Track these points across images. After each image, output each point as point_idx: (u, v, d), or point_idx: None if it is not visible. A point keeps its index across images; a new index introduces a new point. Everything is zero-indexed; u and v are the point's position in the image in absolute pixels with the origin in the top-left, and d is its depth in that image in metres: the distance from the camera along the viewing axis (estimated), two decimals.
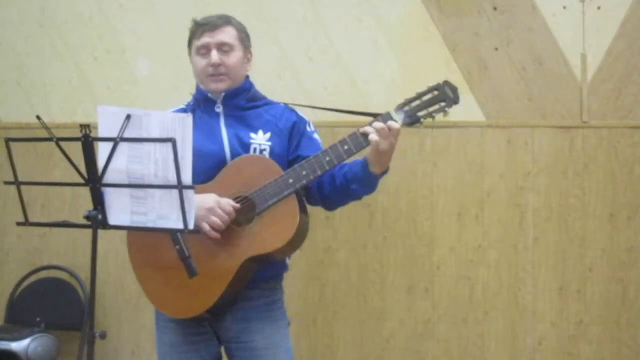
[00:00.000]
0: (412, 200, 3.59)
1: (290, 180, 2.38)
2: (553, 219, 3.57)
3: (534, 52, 3.61)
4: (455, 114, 3.58)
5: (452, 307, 3.60)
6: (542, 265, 3.56)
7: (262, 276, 2.55)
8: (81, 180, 2.24)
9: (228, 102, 2.62)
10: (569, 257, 3.55)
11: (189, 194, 2.13)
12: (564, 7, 3.59)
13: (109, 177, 2.19)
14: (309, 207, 2.53)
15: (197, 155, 2.41)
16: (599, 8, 3.56)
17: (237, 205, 2.41)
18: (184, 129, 2.12)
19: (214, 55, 2.58)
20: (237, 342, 2.55)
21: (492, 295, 3.58)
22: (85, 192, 2.28)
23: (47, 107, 3.94)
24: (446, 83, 2.40)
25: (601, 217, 3.55)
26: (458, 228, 3.61)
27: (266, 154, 2.54)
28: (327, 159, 2.39)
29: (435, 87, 2.39)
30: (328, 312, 3.65)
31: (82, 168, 2.22)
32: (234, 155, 2.53)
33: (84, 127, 2.15)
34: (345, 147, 2.37)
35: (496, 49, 3.63)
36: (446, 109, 2.39)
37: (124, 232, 3.71)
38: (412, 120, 2.37)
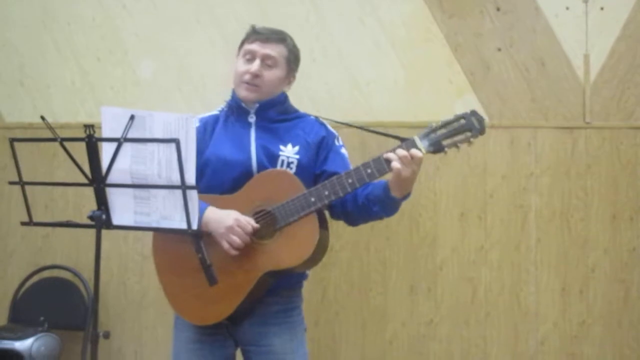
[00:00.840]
0: (414, 201, 3.59)
1: (312, 199, 2.42)
2: (555, 220, 3.57)
3: (536, 53, 3.61)
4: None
5: (454, 308, 3.60)
6: (545, 266, 3.56)
7: (283, 284, 2.59)
8: (85, 181, 2.25)
9: (261, 114, 2.65)
10: (571, 258, 3.55)
11: (192, 194, 2.14)
12: (567, 8, 3.58)
13: (112, 178, 2.21)
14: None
15: (224, 163, 2.57)
16: (602, 9, 3.56)
17: (257, 226, 2.44)
18: (187, 129, 2.13)
19: (255, 65, 2.63)
20: (255, 345, 2.60)
21: (494, 296, 3.58)
22: (89, 193, 2.29)
23: (51, 108, 3.95)
24: (473, 113, 2.38)
25: (604, 218, 3.55)
26: (460, 229, 3.61)
27: (294, 167, 2.58)
28: (350, 181, 2.41)
29: (462, 116, 2.38)
30: (330, 313, 3.65)
31: (86, 168, 2.23)
32: (260, 166, 2.57)
33: (88, 127, 2.16)
34: (368, 170, 2.39)
35: (499, 49, 3.64)
36: (471, 139, 2.37)
37: (127, 233, 3.76)
38: (435, 149, 2.37)
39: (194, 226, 2.17)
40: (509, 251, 3.58)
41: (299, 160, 2.59)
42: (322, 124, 2.73)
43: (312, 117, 2.75)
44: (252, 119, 2.65)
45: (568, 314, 3.54)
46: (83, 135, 2.17)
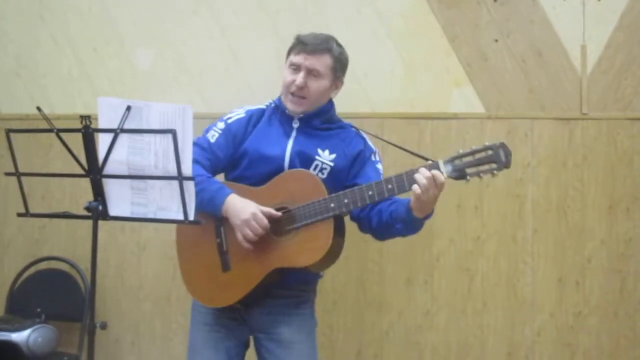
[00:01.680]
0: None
1: (332, 205, 2.49)
2: (552, 211, 3.57)
3: (534, 43, 3.61)
4: (456, 105, 3.63)
5: (451, 298, 3.61)
6: (541, 257, 3.56)
7: (296, 279, 2.68)
8: (82, 172, 2.25)
9: (305, 121, 2.73)
10: (568, 248, 3.56)
11: (189, 185, 2.14)
12: None
13: (109, 169, 2.21)
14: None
15: (259, 157, 2.67)
16: (599, 0, 3.56)
17: (277, 214, 2.52)
18: (184, 120, 2.13)
19: (300, 78, 2.68)
20: (265, 333, 2.68)
21: (491, 286, 3.59)
22: (85, 184, 2.29)
23: (47, 99, 3.94)
24: (502, 145, 2.41)
25: (600, 209, 3.55)
26: (457, 219, 3.61)
27: (326, 172, 2.66)
28: (370, 193, 2.48)
29: (491, 147, 2.41)
30: (327, 303, 3.65)
31: (83, 159, 2.23)
32: (292, 166, 2.66)
33: (85, 118, 2.16)
34: (389, 186, 2.46)
35: (496, 40, 3.63)
36: (495, 172, 2.39)
37: (124, 224, 3.76)
38: (458, 175, 2.41)
39: (191, 217, 2.17)
40: (506, 242, 3.58)
41: (332, 168, 2.68)
42: (363, 138, 2.82)
43: (354, 129, 2.84)
44: (295, 124, 2.74)
45: (564, 304, 3.55)
46: (80, 126, 2.17)
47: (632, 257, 3.53)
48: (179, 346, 3.75)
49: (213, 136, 2.72)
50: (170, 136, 2.09)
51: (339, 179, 2.66)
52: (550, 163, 3.57)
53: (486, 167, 2.39)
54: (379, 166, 2.78)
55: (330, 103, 2.81)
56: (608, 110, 3.57)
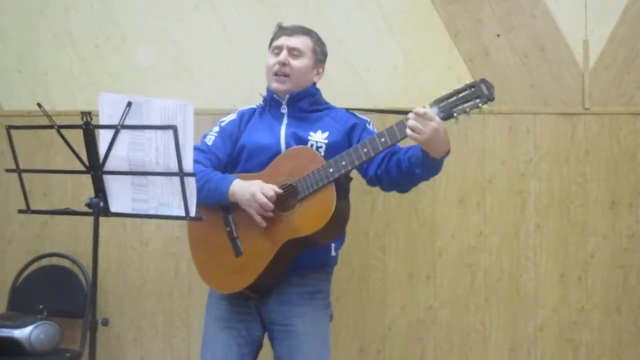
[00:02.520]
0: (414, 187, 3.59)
1: (331, 170, 2.54)
2: (554, 206, 3.56)
3: (536, 38, 3.60)
4: None
5: (453, 293, 3.60)
6: (544, 252, 3.56)
7: (308, 264, 2.72)
8: (83, 168, 2.24)
9: (293, 104, 2.83)
10: (570, 243, 3.55)
11: (190, 181, 2.14)
12: None
13: (110, 165, 2.21)
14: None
15: (256, 148, 2.75)
16: None
17: (280, 191, 2.59)
18: (185, 116, 2.12)
19: (283, 55, 2.80)
20: (278, 324, 2.71)
21: (493, 282, 3.58)
22: (86, 180, 2.29)
23: (48, 95, 3.94)
24: (483, 80, 2.44)
25: (603, 204, 3.55)
26: (460, 215, 3.61)
27: (322, 150, 2.72)
28: (365, 150, 2.54)
29: (472, 85, 2.44)
30: (330, 298, 3.65)
31: (84, 156, 2.23)
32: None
33: (85, 114, 2.16)
34: (382, 139, 2.52)
35: (498, 35, 3.62)
36: (480, 104, 2.43)
37: (125, 220, 3.76)
38: (446, 115, 2.45)
39: (192, 213, 2.17)
40: (508, 237, 3.58)
41: (327, 145, 2.73)
42: (352, 113, 2.90)
43: (342, 109, 2.91)
44: (284, 109, 2.83)
45: (567, 299, 3.55)
46: (80, 122, 2.16)
47: (634, 252, 3.53)
48: (181, 343, 3.75)
49: (210, 139, 2.84)
50: (171, 132, 2.09)
51: (338, 153, 2.66)
52: (552, 158, 3.57)
53: (471, 103, 2.43)
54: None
55: (315, 88, 2.91)
56: (610, 105, 3.56)
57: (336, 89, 3.62)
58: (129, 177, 2.22)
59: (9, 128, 2.31)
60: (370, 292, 3.65)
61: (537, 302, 3.56)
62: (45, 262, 3.89)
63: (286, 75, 2.79)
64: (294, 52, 2.82)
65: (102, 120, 2.20)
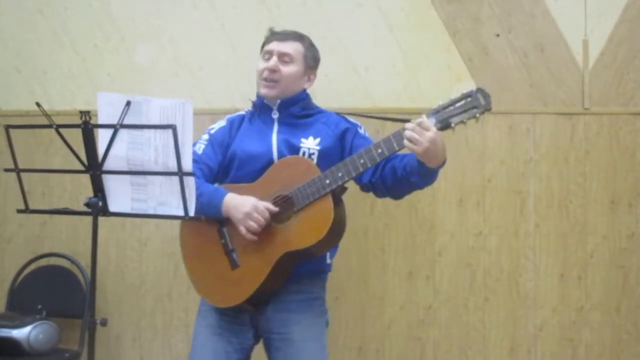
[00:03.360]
0: None
1: (327, 181, 2.52)
2: (554, 206, 3.56)
3: (535, 38, 3.60)
4: None
5: (453, 293, 3.60)
6: (543, 252, 3.56)
7: (305, 271, 2.69)
8: (81, 168, 2.24)
9: (283, 110, 2.79)
10: (570, 243, 3.55)
11: (189, 180, 2.14)
12: None
13: (109, 164, 2.20)
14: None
15: (248, 156, 2.71)
16: None
17: (275, 209, 2.56)
18: (184, 115, 2.12)
19: (273, 61, 2.77)
20: (275, 332, 2.68)
21: (493, 281, 3.58)
22: (85, 180, 2.28)
23: (47, 95, 3.93)
24: (479, 90, 2.43)
25: (602, 204, 3.55)
26: (459, 214, 3.60)
27: (315, 157, 2.69)
28: (362, 161, 2.52)
29: (468, 94, 2.43)
30: (329, 298, 3.61)
31: (83, 155, 2.22)
32: (281, 157, 2.69)
33: (84, 114, 2.16)
34: (379, 150, 2.50)
35: (497, 35, 3.62)
36: (477, 115, 2.42)
37: (124, 220, 3.75)
38: (443, 125, 2.43)
39: (191, 213, 2.17)
40: (508, 237, 3.57)
41: (319, 151, 2.70)
42: (343, 118, 2.86)
43: (333, 113, 2.88)
44: (275, 115, 2.79)
45: (567, 299, 3.55)
46: (79, 122, 2.16)
47: (634, 252, 3.53)
48: (180, 343, 3.75)
49: (200, 148, 2.80)
50: (170, 131, 2.09)
51: (331, 161, 2.65)
52: (552, 158, 3.57)
53: (468, 113, 2.42)
54: (368, 136, 2.83)
55: (305, 93, 2.88)
56: (610, 105, 3.56)
57: (335, 88, 3.62)
58: (127, 177, 2.21)
59: (8, 127, 2.30)
60: (369, 291, 3.64)
61: (536, 302, 3.56)
62: (44, 262, 3.88)
63: (275, 81, 2.77)
64: (284, 57, 2.79)
65: (101, 120, 2.19)
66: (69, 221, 3.87)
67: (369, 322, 3.64)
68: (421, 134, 2.37)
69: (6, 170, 2.37)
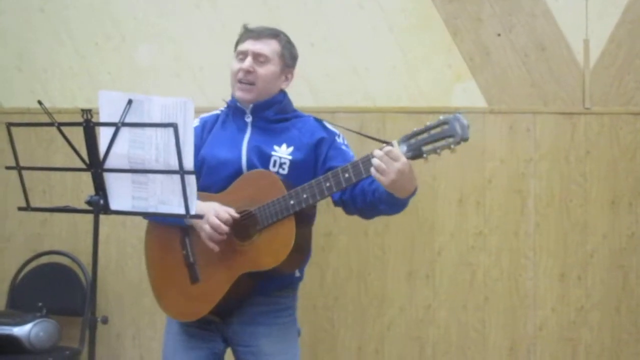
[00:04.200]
0: None
1: (292, 202, 2.40)
2: (554, 205, 3.56)
3: (536, 38, 3.60)
4: (457, 99, 3.62)
5: (452, 293, 3.60)
6: (543, 252, 3.56)
7: (272, 285, 2.57)
8: (83, 166, 2.24)
9: (257, 114, 2.64)
10: (570, 243, 3.55)
11: (190, 179, 2.13)
12: None
13: (110, 162, 2.20)
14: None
15: (217, 162, 2.59)
16: None
17: (236, 215, 2.45)
18: (185, 113, 2.12)
19: (247, 62, 2.61)
20: (244, 345, 2.58)
21: (492, 281, 3.58)
22: (86, 178, 2.28)
23: (48, 93, 3.94)
24: (457, 118, 2.23)
25: (602, 204, 3.55)
26: (459, 214, 3.61)
27: (286, 167, 2.55)
28: (328, 184, 2.38)
29: (445, 121, 2.23)
30: (329, 298, 3.65)
31: (84, 153, 2.22)
32: (250, 165, 2.56)
33: (86, 112, 2.15)
34: (346, 175, 2.35)
35: (498, 34, 3.62)
36: (452, 145, 2.23)
37: (125, 218, 3.75)
38: (414, 154, 2.26)
39: (192, 211, 2.16)
40: (508, 236, 3.58)
41: (291, 161, 2.56)
42: (322, 125, 2.69)
43: (311, 117, 2.71)
44: (248, 119, 2.65)
45: (566, 299, 3.55)
46: (81, 120, 2.16)
47: (634, 252, 3.53)
48: None
49: None
50: (171, 130, 2.08)
51: (304, 171, 2.55)
52: (552, 158, 3.57)
53: (443, 142, 2.23)
54: (346, 148, 2.65)
55: (283, 94, 2.71)
56: (610, 105, 3.56)
57: (335, 87, 3.63)
58: (129, 175, 2.21)
59: (9, 125, 2.30)
60: (369, 291, 3.65)
61: (536, 302, 3.56)
62: (44, 259, 3.89)
63: (251, 84, 2.61)
64: (259, 58, 2.62)
65: (103, 118, 2.19)
66: (69, 219, 3.87)
67: (368, 322, 3.64)
68: (388, 164, 2.21)
69: (7, 168, 2.37)
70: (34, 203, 2.41)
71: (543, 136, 3.57)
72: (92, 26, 3.92)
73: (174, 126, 2.08)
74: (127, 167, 2.19)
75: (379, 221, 3.61)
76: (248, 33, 2.69)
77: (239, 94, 2.64)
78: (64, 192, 3.89)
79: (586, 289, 3.54)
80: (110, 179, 2.23)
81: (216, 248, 2.44)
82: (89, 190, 2.28)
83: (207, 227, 2.42)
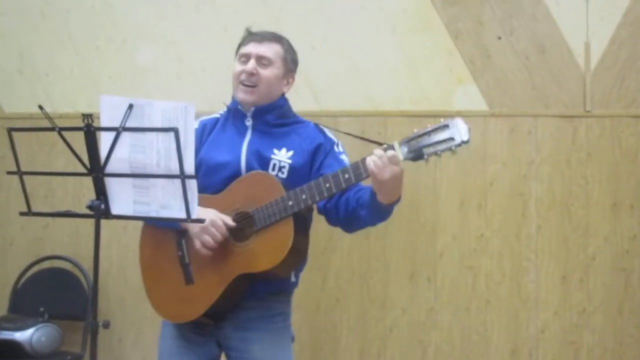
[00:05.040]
0: (415, 189, 3.59)
1: (290, 203, 2.38)
2: (556, 208, 3.56)
3: (537, 40, 3.60)
4: (459, 102, 3.62)
5: (454, 295, 3.60)
6: (545, 254, 3.56)
7: (266, 289, 2.55)
8: (84, 170, 2.24)
9: (258, 117, 2.63)
10: (571, 246, 3.55)
11: (191, 183, 2.13)
12: None
13: (111, 167, 2.19)
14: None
15: (215, 165, 2.57)
16: None
17: (233, 224, 2.43)
18: (186, 118, 2.12)
19: (251, 64, 2.61)
20: (236, 350, 2.56)
21: (495, 284, 3.58)
22: (88, 182, 2.28)
23: (50, 97, 3.94)
24: (458, 120, 2.27)
25: (604, 206, 3.55)
26: (461, 217, 3.60)
27: (285, 171, 2.54)
28: (327, 185, 2.37)
29: (446, 124, 2.26)
30: (331, 300, 3.65)
31: (85, 158, 2.22)
32: (249, 168, 2.54)
33: (87, 116, 2.15)
34: (346, 175, 2.34)
35: (499, 37, 3.62)
36: (453, 147, 2.26)
37: (127, 222, 3.75)
38: (415, 156, 2.28)
39: (194, 215, 2.16)
40: (510, 239, 3.57)
41: (291, 165, 2.56)
42: (321, 131, 2.68)
43: (311, 123, 2.70)
44: (249, 122, 2.64)
45: (568, 302, 3.55)
46: (82, 124, 2.16)
47: (636, 254, 3.53)
48: None
49: None
50: (172, 134, 2.08)
51: (301, 176, 2.54)
52: (554, 160, 3.57)
53: (443, 145, 2.26)
54: (343, 157, 2.64)
55: (284, 99, 2.71)
56: (612, 108, 3.56)
57: (336, 90, 3.63)
58: (130, 180, 2.21)
59: (10, 130, 2.30)
60: (371, 293, 3.64)
61: (538, 305, 3.56)
62: (46, 264, 3.89)
63: (254, 86, 2.60)
64: (262, 60, 2.62)
65: (104, 123, 2.19)
66: (71, 224, 3.88)
67: (370, 324, 3.64)
68: (386, 164, 2.23)
69: (9, 173, 2.37)
70: (36, 208, 2.41)
71: (544, 139, 3.57)
72: (93, 29, 3.93)
73: (175, 131, 2.08)
74: (128, 171, 2.19)
75: (381, 224, 3.61)
76: (251, 36, 2.70)
77: (241, 96, 2.63)
78: (66, 196, 3.89)
79: (588, 292, 3.54)
80: (111, 184, 2.23)
81: (209, 254, 2.43)
82: (90, 195, 2.28)
83: (204, 237, 2.41)
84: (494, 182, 3.58)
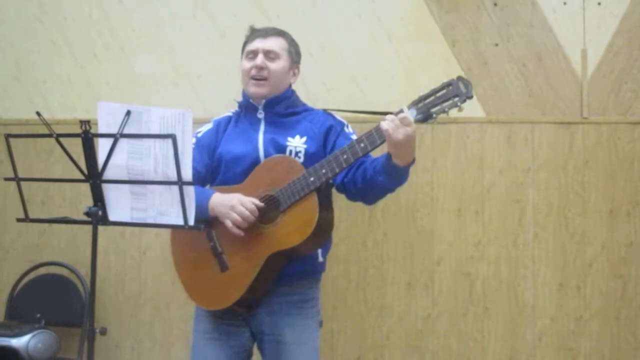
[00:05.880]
0: (412, 196, 3.59)
1: (312, 179, 2.51)
2: (553, 215, 3.56)
3: (534, 48, 3.61)
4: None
5: (451, 303, 3.60)
6: (542, 261, 3.56)
7: (297, 273, 2.69)
8: (81, 177, 2.24)
9: (269, 109, 2.79)
10: (568, 253, 3.55)
11: (189, 190, 2.14)
12: (564, 3, 3.58)
13: (109, 173, 2.20)
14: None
15: (234, 157, 2.71)
16: (599, 4, 3.56)
17: (261, 204, 2.55)
18: (184, 124, 2.12)
19: (259, 58, 2.77)
20: (267, 334, 2.69)
21: (492, 291, 3.58)
22: (85, 189, 2.29)
23: (47, 104, 3.94)
24: (460, 78, 2.45)
25: (601, 213, 3.55)
26: (458, 224, 3.60)
27: (301, 156, 2.68)
28: (345, 157, 2.50)
29: (449, 83, 2.45)
30: (328, 308, 3.64)
31: (82, 164, 2.22)
32: (268, 157, 2.68)
33: (84, 123, 2.16)
34: (362, 144, 2.49)
35: (496, 44, 3.63)
36: (459, 104, 2.44)
37: (124, 229, 3.75)
38: (424, 117, 2.44)
39: (191, 222, 2.17)
40: (507, 246, 3.57)
41: (306, 150, 2.69)
42: (330, 114, 2.86)
43: (321, 110, 2.87)
44: (261, 114, 2.79)
45: (565, 309, 3.54)
46: (79, 131, 2.16)
47: (633, 261, 3.52)
48: (179, 352, 3.74)
49: None
50: (170, 141, 2.09)
51: (317, 160, 2.63)
52: (550, 167, 3.57)
53: (449, 102, 2.44)
54: (354, 137, 2.76)
55: (291, 90, 2.88)
56: (608, 115, 3.56)
57: (334, 97, 3.63)
58: (127, 186, 2.21)
59: (8, 136, 2.31)
60: (368, 301, 3.64)
61: (535, 312, 3.55)
62: (43, 270, 3.88)
63: (264, 79, 2.77)
64: (270, 54, 2.80)
65: (101, 129, 2.19)
66: (68, 230, 3.87)
67: (367, 332, 3.64)
68: (399, 125, 2.39)
69: (6, 179, 2.37)
70: (33, 214, 2.42)
71: (541, 146, 3.58)
72: (90, 36, 3.93)
73: (173, 137, 2.08)
74: (125, 178, 2.20)
75: (378, 231, 3.62)
76: (256, 32, 2.87)
77: (253, 90, 2.77)
78: (63, 203, 3.88)
79: (585, 299, 3.54)
80: (108, 190, 2.24)
81: (241, 233, 2.53)
82: (87, 201, 2.28)
83: (234, 215, 2.51)
84: (491, 189, 3.58)
